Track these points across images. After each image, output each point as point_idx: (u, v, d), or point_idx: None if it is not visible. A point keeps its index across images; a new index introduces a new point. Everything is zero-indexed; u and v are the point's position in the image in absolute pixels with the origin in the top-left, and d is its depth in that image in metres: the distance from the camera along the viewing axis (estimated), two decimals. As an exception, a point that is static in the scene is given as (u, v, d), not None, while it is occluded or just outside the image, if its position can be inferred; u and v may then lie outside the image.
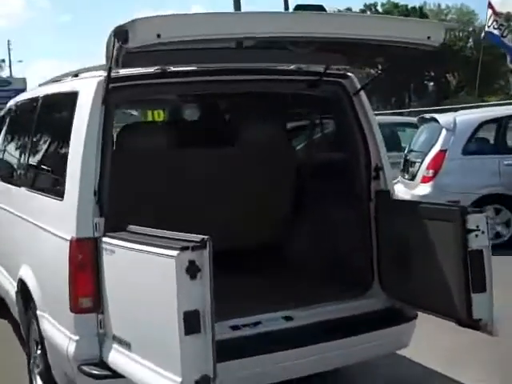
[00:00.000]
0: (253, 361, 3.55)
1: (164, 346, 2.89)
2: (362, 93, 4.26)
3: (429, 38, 3.50)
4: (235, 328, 3.66)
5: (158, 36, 2.94)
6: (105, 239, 3.38)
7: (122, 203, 4.11)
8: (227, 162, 4.68)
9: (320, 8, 3.38)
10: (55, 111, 4.59)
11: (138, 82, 3.80)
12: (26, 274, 4.16)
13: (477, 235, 3.47)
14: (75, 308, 3.47)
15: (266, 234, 4.84)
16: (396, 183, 10.21)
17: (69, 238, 3.50)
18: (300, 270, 4.60)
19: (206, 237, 2.86)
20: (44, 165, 4.53)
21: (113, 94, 3.63)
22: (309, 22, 3.29)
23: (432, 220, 3.68)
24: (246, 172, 4.68)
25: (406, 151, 10.52)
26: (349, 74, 4.30)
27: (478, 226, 3.47)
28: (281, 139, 4.88)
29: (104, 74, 3.61)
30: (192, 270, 2.81)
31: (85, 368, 3.37)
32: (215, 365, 2.83)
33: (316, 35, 3.36)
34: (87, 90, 3.69)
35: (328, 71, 4.23)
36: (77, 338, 3.45)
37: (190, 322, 2.79)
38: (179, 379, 2.79)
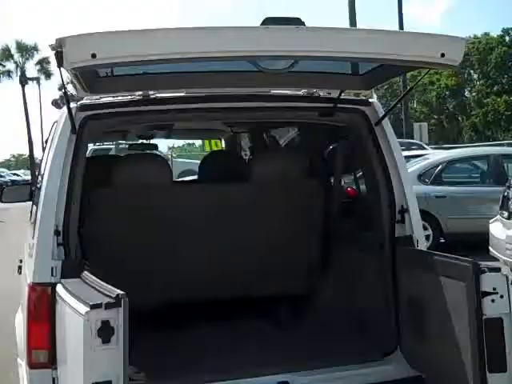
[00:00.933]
0: None
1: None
2: (386, 122, 3.67)
3: (443, 55, 2.87)
4: None
5: (93, 56, 2.54)
6: (58, 286, 3.00)
7: (104, 245, 3.76)
8: (240, 201, 4.17)
9: (297, 21, 2.78)
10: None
11: (119, 109, 3.42)
12: (18, 319, 3.86)
13: (493, 300, 2.79)
14: (29, 362, 3.12)
15: (285, 284, 4.26)
16: (493, 222, 9.31)
17: (28, 282, 3.17)
18: (314, 327, 3.99)
19: (121, 293, 2.41)
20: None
21: (89, 123, 3.29)
22: (285, 38, 2.74)
23: (446, 277, 3.02)
24: (259, 211, 4.15)
25: (506, 185, 9.53)
26: (371, 99, 3.73)
27: (494, 289, 2.79)
28: (301, 174, 4.28)
29: (85, 101, 3.29)
30: (105, 332, 2.36)
31: None
32: None
33: (298, 53, 2.83)
34: (60, 119, 3.38)
35: (344, 97, 3.67)
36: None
37: None
38: None
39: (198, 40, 2.57)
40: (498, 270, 2.85)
